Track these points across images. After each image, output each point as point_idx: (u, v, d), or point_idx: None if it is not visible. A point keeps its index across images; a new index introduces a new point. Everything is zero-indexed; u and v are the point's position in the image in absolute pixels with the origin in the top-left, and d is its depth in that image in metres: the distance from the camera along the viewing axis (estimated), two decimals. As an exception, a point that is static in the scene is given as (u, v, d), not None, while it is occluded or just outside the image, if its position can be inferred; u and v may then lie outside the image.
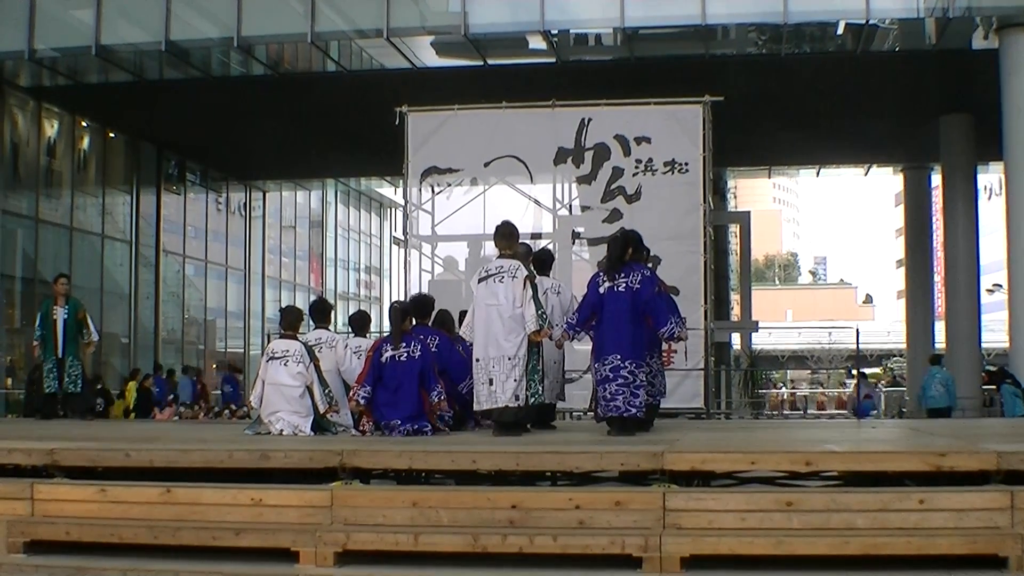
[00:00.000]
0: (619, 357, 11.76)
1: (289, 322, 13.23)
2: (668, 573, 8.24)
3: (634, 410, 11.73)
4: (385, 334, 13.19)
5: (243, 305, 40.39)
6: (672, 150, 19.25)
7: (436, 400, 12.31)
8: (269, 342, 13.47)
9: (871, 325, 72.57)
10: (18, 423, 17.35)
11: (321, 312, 14.48)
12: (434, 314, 13.87)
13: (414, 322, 12.95)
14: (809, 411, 50.65)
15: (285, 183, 43.01)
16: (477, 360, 12.26)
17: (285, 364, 12.72)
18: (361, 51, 27.67)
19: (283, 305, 14.03)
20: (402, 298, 18.13)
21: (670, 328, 12.06)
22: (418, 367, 12.29)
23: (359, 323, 14.84)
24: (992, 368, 30.58)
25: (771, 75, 26.58)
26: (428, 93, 21.65)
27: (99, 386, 26.72)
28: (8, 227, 28.01)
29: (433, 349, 12.83)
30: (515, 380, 11.97)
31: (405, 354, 12.33)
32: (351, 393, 12.62)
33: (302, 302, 35.33)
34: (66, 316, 18.15)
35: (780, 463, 9.56)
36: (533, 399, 12.22)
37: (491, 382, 12.08)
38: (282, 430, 12.45)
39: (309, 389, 12.67)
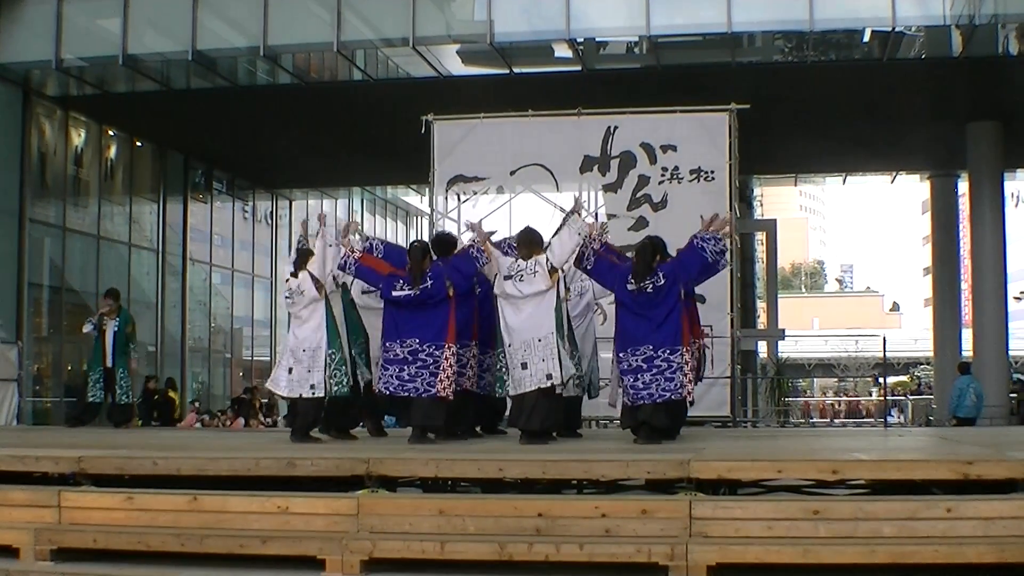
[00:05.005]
0: (651, 347, 11.86)
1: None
2: (695, 582, 8.24)
3: (668, 394, 11.80)
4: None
5: (270, 313, 40.44)
6: (698, 158, 19.25)
7: None
8: None
9: (898, 333, 72.18)
10: (46, 431, 17.45)
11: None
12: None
13: (434, 259, 12.98)
14: (836, 419, 50.51)
15: (311, 191, 43.05)
16: (509, 346, 12.32)
17: None
18: (387, 60, 27.72)
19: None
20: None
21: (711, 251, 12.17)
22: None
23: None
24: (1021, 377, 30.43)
25: (797, 82, 26.53)
26: (454, 101, 21.67)
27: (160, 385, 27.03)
28: (35, 236, 28.08)
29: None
30: (544, 360, 12.02)
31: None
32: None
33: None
34: (116, 328, 18.53)
35: (807, 471, 9.55)
36: (570, 373, 12.22)
37: (524, 366, 12.13)
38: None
39: None
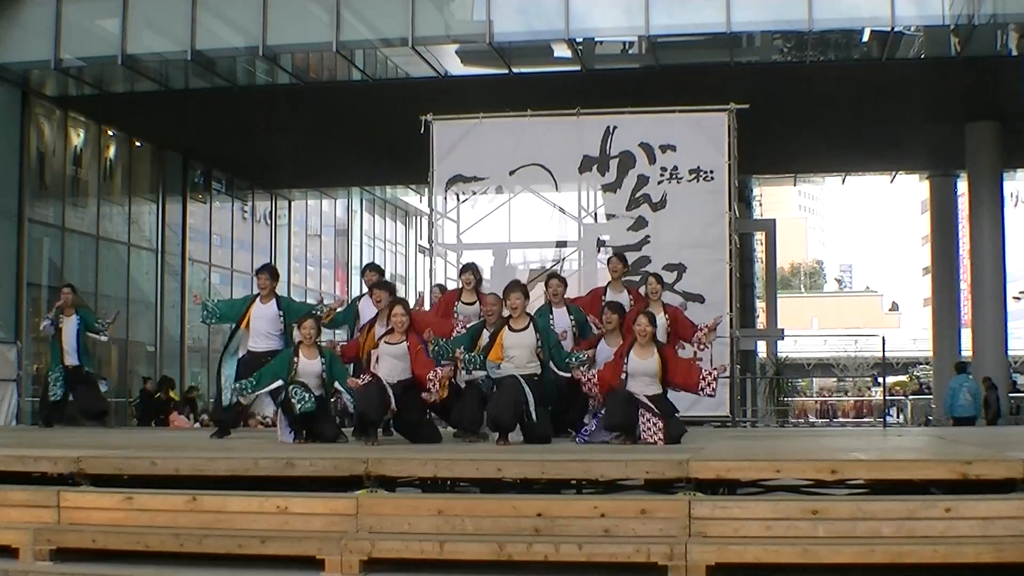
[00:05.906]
0: None
1: None
2: (694, 582, 8.24)
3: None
4: None
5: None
6: (697, 158, 19.25)
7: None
8: None
9: (897, 333, 72.25)
10: (45, 431, 17.43)
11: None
12: None
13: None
14: (835, 419, 50.49)
15: (310, 192, 43.03)
16: None
17: None
18: (386, 60, 27.71)
19: None
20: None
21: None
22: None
23: None
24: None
25: (796, 82, 26.52)
26: (453, 101, 21.65)
27: (157, 395, 27.05)
28: (34, 236, 28.04)
29: None
30: None
31: None
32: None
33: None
34: (77, 326, 18.22)
35: (806, 471, 9.54)
36: None
37: None
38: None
39: None
